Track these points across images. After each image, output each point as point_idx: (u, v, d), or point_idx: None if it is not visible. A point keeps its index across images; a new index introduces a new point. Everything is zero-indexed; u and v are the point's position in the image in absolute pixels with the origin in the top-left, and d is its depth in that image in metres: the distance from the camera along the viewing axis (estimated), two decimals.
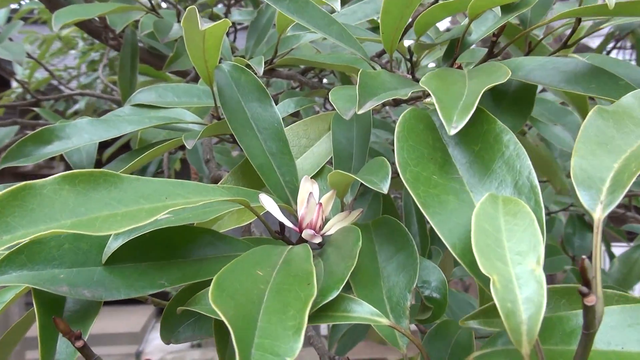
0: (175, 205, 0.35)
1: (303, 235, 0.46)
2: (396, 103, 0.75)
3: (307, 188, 0.49)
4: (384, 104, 0.76)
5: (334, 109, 0.55)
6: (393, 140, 0.42)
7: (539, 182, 0.37)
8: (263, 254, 0.39)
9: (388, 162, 0.46)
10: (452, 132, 0.36)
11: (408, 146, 0.40)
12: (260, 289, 0.33)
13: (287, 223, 0.48)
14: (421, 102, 0.68)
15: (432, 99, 0.40)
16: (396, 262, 0.44)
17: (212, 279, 0.42)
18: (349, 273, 0.36)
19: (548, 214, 1.50)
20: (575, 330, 0.30)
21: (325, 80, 1.42)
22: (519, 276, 0.27)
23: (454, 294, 0.81)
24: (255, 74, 0.64)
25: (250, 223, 0.70)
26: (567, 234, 1.35)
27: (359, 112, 0.45)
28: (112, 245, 0.40)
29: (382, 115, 1.44)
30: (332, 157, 0.60)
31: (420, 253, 0.64)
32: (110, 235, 0.40)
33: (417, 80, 0.75)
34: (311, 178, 0.51)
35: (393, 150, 0.41)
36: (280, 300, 0.31)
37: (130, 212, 0.33)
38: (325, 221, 0.49)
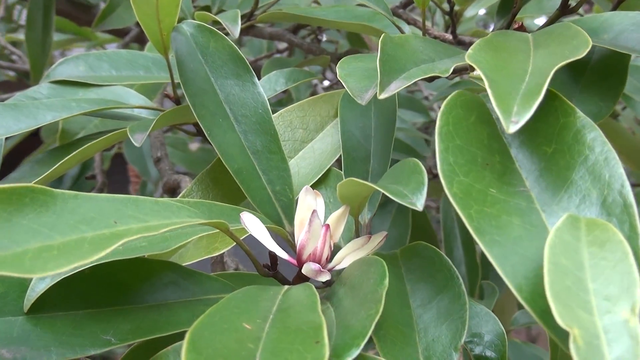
0: (128, 233, 0.37)
1: (303, 270, 0.48)
2: None
3: (309, 204, 0.51)
4: None
5: (338, 83, 0.56)
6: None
7: (634, 185, 0.39)
8: (248, 299, 0.41)
9: (422, 166, 0.48)
10: (512, 129, 0.38)
11: (455, 147, 0.42)
12: (249, 349, 0.35)
13: (281, 254, 0.50)
14: (468, 75, 0.70)
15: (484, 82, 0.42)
16: (436, 308, 0.46)
17: (176, 332, 0.44)
18: (373, 325, 0.38)
19: None
20: None
21: (324, 38, 1.43)
22: (608, 329, 0.30)
23: (517, 346, 0.83)
24: (228, 35, 0.66)
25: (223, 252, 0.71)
26: None
27: (382, 97, 0.47)
28: (38, 288, 0.42)
29: (409, 89, 1.46)
30: (340, 155, 0.62)
31: (468, 290, 0.65)
32: None
33: (460, 43, 0.77)
34: (312, 187, 0.52)
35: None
36: None
37: (68, 244, 0.35)
38: (335, 250, 0.51)
